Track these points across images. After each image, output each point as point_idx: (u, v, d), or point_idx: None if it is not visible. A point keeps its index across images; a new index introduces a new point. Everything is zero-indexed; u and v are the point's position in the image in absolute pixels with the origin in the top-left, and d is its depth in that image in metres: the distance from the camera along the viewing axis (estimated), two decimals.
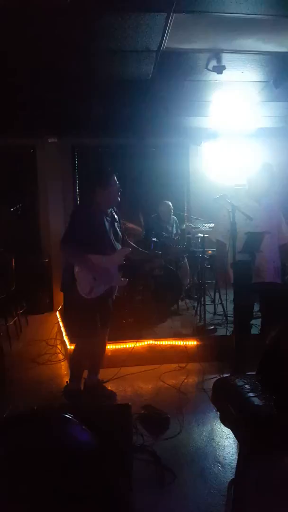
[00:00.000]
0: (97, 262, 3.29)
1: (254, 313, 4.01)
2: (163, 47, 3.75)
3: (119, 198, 3.50)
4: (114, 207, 3.60)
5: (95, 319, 3.40)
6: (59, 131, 6.82)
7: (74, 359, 3.66)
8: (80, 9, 3.10)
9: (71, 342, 3.63)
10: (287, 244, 3.89)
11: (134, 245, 3.87)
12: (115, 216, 3.59)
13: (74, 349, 3.68)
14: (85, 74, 4.38)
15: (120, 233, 3.61)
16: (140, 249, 3.97)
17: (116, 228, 3.56)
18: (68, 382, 3.62)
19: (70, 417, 1.77)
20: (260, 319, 4.08)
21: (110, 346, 4.38)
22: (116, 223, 3.58)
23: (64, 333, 4.73)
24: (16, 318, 5.35)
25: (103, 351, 3.79)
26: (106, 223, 3.44)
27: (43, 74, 4.34)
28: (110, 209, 3.53)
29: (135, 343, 4.38)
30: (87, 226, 3.29)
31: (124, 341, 4.43)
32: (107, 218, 3.47)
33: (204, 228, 5.42)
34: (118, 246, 3.52)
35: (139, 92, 4.87)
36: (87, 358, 3.61)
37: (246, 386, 2.27)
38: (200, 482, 2.57)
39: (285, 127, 6.73)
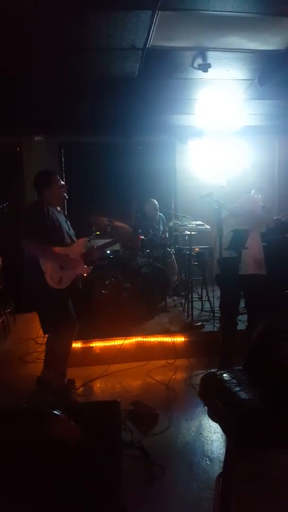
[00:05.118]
0: (60, 251, 3.38)
1: (240, 309, 4.07)
2: (148, 45, 3.75)
3: (65, 195, 3.63)
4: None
5: (69, 309, 3.49)
6: (45, 129, 6.79)
7: (55, 355, 3.59)
8: (65, 7, 3.09)
9: (45, 333, 3.62)
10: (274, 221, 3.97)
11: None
12: (65, 216, 3.72)
13: (52, 346, 3.59)
14: (71, 72, 4.36)
15: (72, 231, 3.71)
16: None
17: (69, 225, 3.68)
18: (52, 382, 3.58)
19: (59, 414, 1.78)
20: (246, 315, 4.13)
21: (98, 344, 4.41)
22: (67, 222, 3.69)
23: None
24: (4, 317, 5.32)
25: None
26: (60, 217, 3.54)
27: (29, 72, 4.31)
28: (59, 209, 3.64)
29: (123, 340, 4.40)
30: (43, 220, 3.35)
31: (113, 338, 4.45)
32: (60, 214, 3.58)
33: (191, 225, 5.44)
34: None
35: (125, 90, 4.87)
36: (69, 351, 3.60)
37: (233, 380, 2.30)
38: (189, 477, 2.60)
39: (270, 125, 6.79)
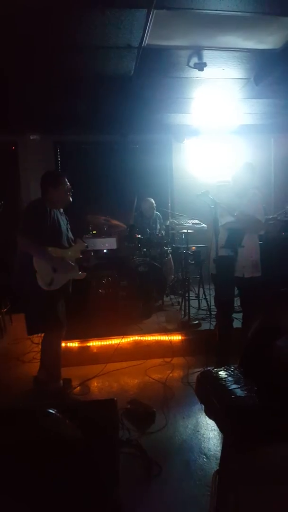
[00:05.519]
0: (55, 253, 3.36)
1: (236, 307, 4.08)
2: (144, 43, 3.75)
3: (70, 198, 3.58)
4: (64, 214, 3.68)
5: (57, 311, 3.44)
6: (41, 128, 6.77)
7: (48, 359, 3.59)
8: (60, 6, 3.09)
9: (29, 334, 3.58)
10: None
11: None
12: (66, 219, 3.71)
13: (44, 349, 3.60)
14: (67, 71, 4.35)
15: (71, 235, 3.71)
16: None
17: (68, 228, 3.68)
18: (48, 383, 3.58)
19: (55, 413, 1.78)
20: (241, 313, 4.14)
21: (95, 343, 4.41)
22: (68, 225, 3.69)
23: None
24: (0, 316, 5.31)
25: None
26: (61, 219, 3.53)
27: (25, 71, 4.30)
28: (62, 211, 3.63)
29: (120, 339, 4.41)
30: (43, 219, 3.34)
31: (110, 337, 4.45)
32: (61, 216, 3.57)
33: (188, 224, 5.45)
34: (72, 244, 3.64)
35: (121, 89, 4.86)
36: (59, 354, 3.59)
37: (229, 378, 2.31)
38: (186, 474, 2.62)
39: (266, 124, 6.80)
